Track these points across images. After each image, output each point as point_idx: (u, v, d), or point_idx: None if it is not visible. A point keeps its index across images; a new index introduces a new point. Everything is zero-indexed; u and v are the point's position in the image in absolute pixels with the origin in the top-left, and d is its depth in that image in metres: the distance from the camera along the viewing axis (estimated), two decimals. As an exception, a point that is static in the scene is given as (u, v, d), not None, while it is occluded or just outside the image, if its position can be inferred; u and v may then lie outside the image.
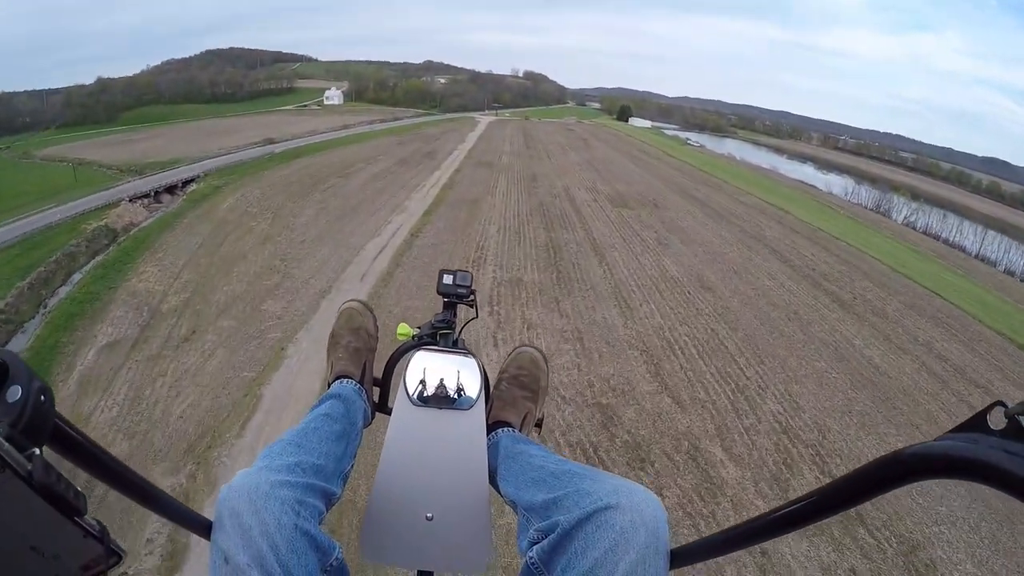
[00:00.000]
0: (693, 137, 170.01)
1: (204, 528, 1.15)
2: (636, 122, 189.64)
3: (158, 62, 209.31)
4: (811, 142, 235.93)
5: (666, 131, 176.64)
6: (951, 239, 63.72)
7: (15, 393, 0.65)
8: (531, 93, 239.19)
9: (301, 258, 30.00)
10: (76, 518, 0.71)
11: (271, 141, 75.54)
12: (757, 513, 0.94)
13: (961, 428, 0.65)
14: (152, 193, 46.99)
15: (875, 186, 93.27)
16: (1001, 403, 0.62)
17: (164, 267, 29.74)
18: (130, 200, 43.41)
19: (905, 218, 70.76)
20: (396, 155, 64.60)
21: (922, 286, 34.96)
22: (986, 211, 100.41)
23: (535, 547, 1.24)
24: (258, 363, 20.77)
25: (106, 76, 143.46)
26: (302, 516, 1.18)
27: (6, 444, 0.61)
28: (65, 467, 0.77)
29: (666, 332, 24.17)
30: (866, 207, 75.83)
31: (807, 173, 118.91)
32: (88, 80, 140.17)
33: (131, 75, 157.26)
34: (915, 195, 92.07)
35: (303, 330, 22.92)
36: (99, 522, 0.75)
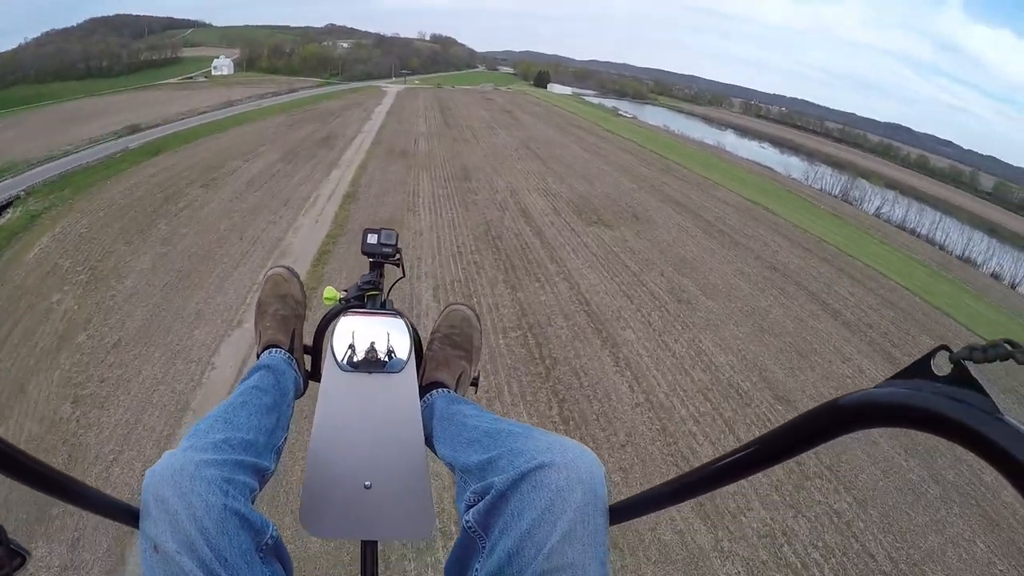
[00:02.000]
0: (615, 104, 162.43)
1: (131, 516, 1.12)
2: (555, 88, 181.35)
3: (37, 34, 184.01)
4: (732, 109, 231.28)
5: (587, 98, 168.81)
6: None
7: None
8: (440, 58, 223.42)
9: (104, 397, 16.55)
10: None
11: (135, 129, 61.46)
12: (693, 467, 0.95)
13: (904, 374, 0.64)
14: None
15: (839, 170, 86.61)
16: (946, 347, 0.61)
17: None
18: None
19: (877, 209, 63.53)
20: (284, 143, 51.84)
21: None
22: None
23: (471, 510, 1.23)
24: None
25: None
26: (231, 495, 1.14)
27: None
28: None
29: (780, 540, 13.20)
30: (834, 195, 67.70)
31: (749, 148, 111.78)
32: None
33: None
34: (875, 180, 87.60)
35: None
36: None
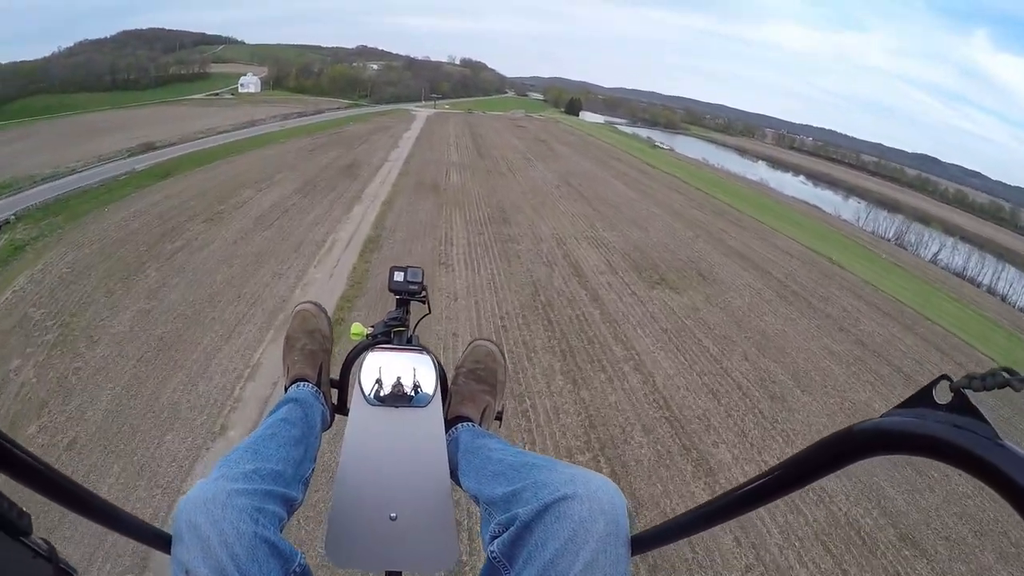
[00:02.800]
0: (648, 134, 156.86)
1: (163, 542, 1.16)
2: (588, 117, 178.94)
3: (71, 44, 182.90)
4: (765, 140, 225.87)
5: (620, 127, 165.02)
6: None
7: None
8: (471, 82, 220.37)
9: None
10: (22, 538, 0.70)
11: (149, 147, 57.57)
12: (712, 496, 0.96)
13: (907, 403, 0.65)
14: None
15: (882, 208, 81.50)
16: (946, 377, 0.62)
17: None
18: None
19: (934, 256, 58.92)
20: (304, 171, 47.31)
21: None
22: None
23: (496, 541, 1.25)
24: None
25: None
26: (261, 524, 1.18)
27: None
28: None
29: None
30: (889, 239, 63.23)
31: (790, 183, 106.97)
32: None
33: (19, 61, 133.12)
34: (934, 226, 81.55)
35: None
36: (47, 541, 0.75)
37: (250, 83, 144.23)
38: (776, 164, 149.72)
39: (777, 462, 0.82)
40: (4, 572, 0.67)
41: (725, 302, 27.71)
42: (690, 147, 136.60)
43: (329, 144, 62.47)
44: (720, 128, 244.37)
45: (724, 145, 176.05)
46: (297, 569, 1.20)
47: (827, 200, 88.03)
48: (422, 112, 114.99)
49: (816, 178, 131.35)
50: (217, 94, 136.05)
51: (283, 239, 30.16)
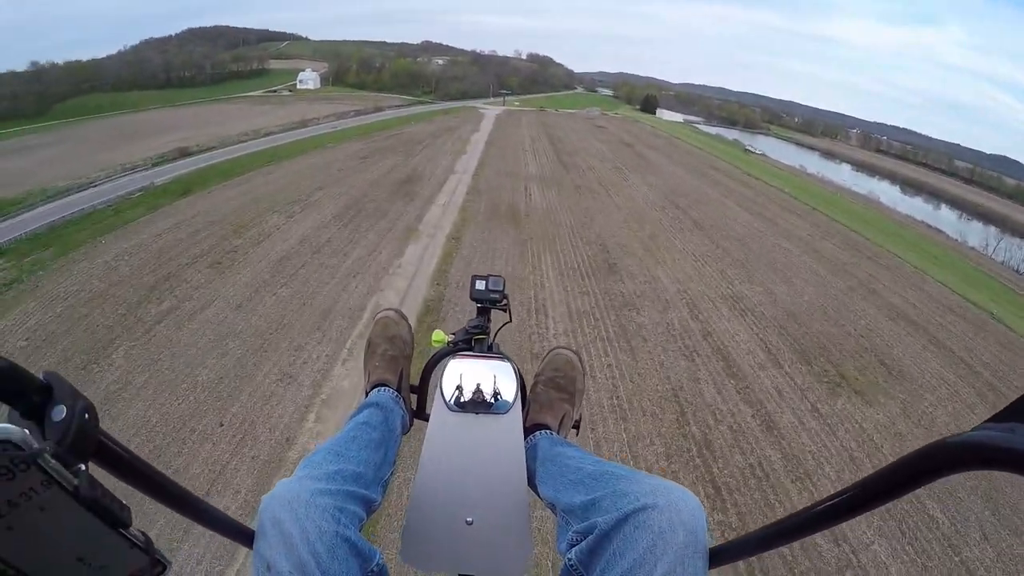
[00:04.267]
0: (725, 133, 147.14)
1: (246, 537, 1.19)
2: (665, 115, 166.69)
3: (136, 42, 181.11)
4: (849, 142, 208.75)
5: (699, 126, 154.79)
6: None
7: (60, 412, 0.68)
8: (539, 77, 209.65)
9: None
10: (122, 530, 0.74)
11: (184, 152, 50.90)
12: (792, 511, 0.95)
13: (997, 418, 0.63)
14: None
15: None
16: None
17: None
18: None
19: None
20: (350, 187, 38.36)
21: None
22: None
23: (574, 549, 1.26)
24: None
25: (46, 61, 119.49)
26: (342, 523, 1.21)
27: (53, 461, 0.64)
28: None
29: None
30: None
31: (887, 192, 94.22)
32: (21, 66, 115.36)
33: (76, 60, 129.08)
34: None
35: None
36: (144, 533, 0.79)
37: (309, 79, 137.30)
38: (863, 167, 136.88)
39: (860, 479, 0.80)
40: (102, 561, 0.73)
41: (924, 415, 18.27)
42: (775, 149, 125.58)
43: (385, 149, 53.61)
44: (800, 128, 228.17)
45: (807, 147, 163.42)
46: (375, 568, 1.22)
47: (931, 214, 79.05)
48: (491, 110, 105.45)
49: (912, 185, 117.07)
50: (274, 91, 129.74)
51: (304, 303, 21.09)
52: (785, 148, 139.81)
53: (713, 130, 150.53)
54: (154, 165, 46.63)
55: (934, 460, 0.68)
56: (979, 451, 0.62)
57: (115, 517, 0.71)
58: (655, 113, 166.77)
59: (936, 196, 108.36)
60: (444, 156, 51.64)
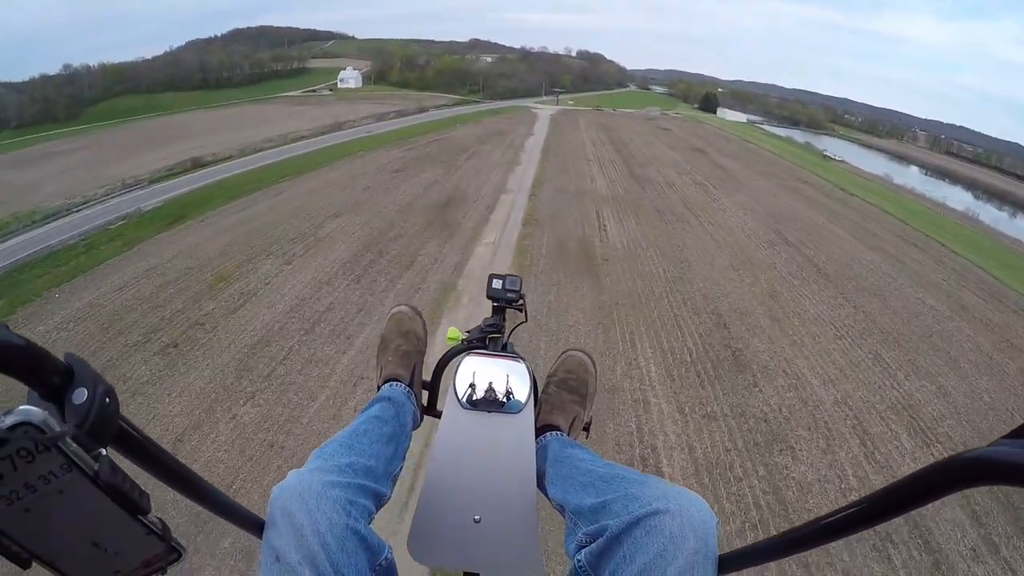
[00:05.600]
0: (790, 134, 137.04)
1: (256, 527, 1.19)
2: (727, 115, 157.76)
3: (182, 43, 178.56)
4: (917, 144, 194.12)
5: (763, 126, 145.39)
6: None
7: (81, 395, 0.68)
8: (591, 75, 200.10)
9: None
10: (140, 516, 0.75)
11: (197, 163, 45.43)
12: (805, 520, 0.95)
13: (1016, 433, 0.63)
14: None
15: None
16: None
17: None
18: None
19: None
20: (374, 213, 30.85)
21: None
22: None
23: (583, 551, 1.26)
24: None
25: (79, 64, 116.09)
26: (353, 516, 1.21)
27: (73, 444, 0.64)
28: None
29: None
30: None
31: (970, 203, 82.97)
32: (55, 68, 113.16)
33: (110, 62, 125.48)
34: None
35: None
36: (161, 520, 0.79)
37: (350, 78, 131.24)
38: (934, 171, 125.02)
39: (873, 491, 0.81)
40: (119, 546, 0.73)
41: None
42: (847, 152, 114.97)
43: (424, 159, 45.85)
44: (863, 128, 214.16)
45: (877, 149, 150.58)
46: (383, 562, 1.22)
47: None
48: (544, 110, 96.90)
49: (992, 195, 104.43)
50: (314, 90, 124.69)
51: (272, 444, 13.22)
52: (855, 151, 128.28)
53: (778, 130, 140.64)
54: (159, 180, 41.29)
55: (955, 473, 0.68)
56: (994, 467, 0.62)
57: (134, 504, 0.72)
58: (715, 112, 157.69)
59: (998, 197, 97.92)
60: (493, 169, 43.47)
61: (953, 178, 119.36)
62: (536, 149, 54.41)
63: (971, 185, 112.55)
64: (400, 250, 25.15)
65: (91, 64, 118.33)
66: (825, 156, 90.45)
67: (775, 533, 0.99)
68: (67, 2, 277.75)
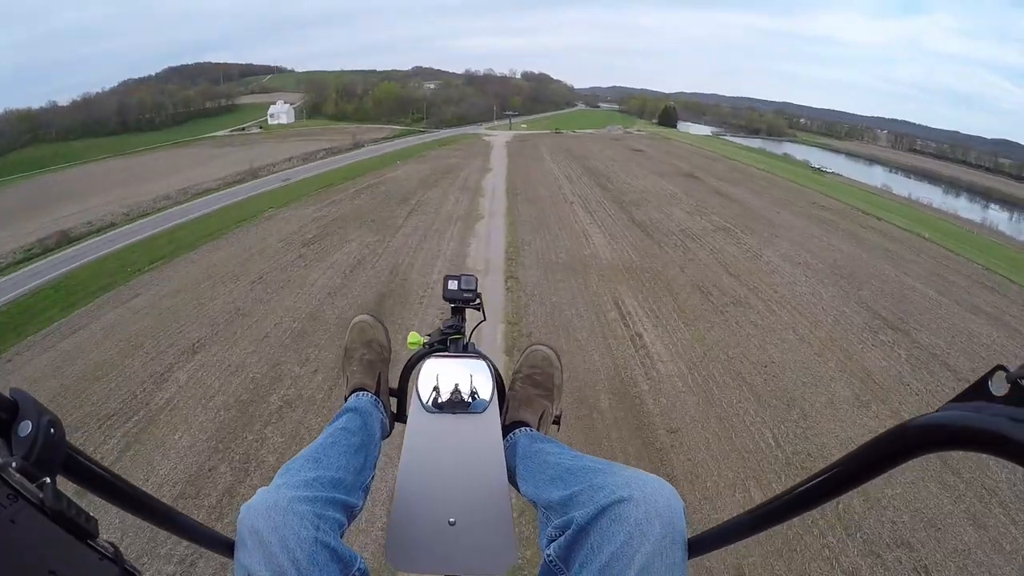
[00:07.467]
0: (761, 144, 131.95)
1: (226, 547, 1.19)
2: (690, 128, 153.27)
3: (115, 84, 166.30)
4: (879, 143, 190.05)
5: (726, 138, 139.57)
6: None
7: (26, 428, 0.69)
8: (540, 95, 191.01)
9: None
10: (89, 541, 0.75)
11: (62, 240, 36.54)
12: (770, 496, 0.96)
13: (963, 397, 0.63)
14: None
15: None
16: (1002, 367, 0.60)
17: None
18: None
19: None
20: (257, 337, 19.48)
21: None
22: None
23: (553, 544, 1.27)
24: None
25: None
26: (322, 529, 1.20)
27: (17, 475, 0.65)
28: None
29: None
30: None
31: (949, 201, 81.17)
32: None
33: (14, 108, 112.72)
34: None
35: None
36: (113, 544, 0.79)
37: (281, 113, 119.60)
38: (914, 173, 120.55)
39: (831, 461, 0.81)
40: (73, 573, 0.73)
41: None
42: (815, 158, 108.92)
43: (349, 219, 34.56)
44: (823, 131, 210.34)
45: (845, 153, 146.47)
46: (356, 573, 1.22)
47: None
48: (497, 136, 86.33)
49: (954, 185, 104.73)
50: (243, 129, 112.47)
51: None
52: (829, 158, 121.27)
53: (743, 141, 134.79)
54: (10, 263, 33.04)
55: (903, 442, 0.68)
56: (948, 431, 0.62)
57: (81, 528, 0.71)
58: (676, 126, 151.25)
59: (1002, 201, 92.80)
60: (446, 227, 31.96)
61: (934, 178, 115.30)
62: (499, 191, 43.16)
63: (952, 183, 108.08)
64: (287, 438, 13.60)
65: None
66: (816, 169, 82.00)
67: (740, 513, 1.01)
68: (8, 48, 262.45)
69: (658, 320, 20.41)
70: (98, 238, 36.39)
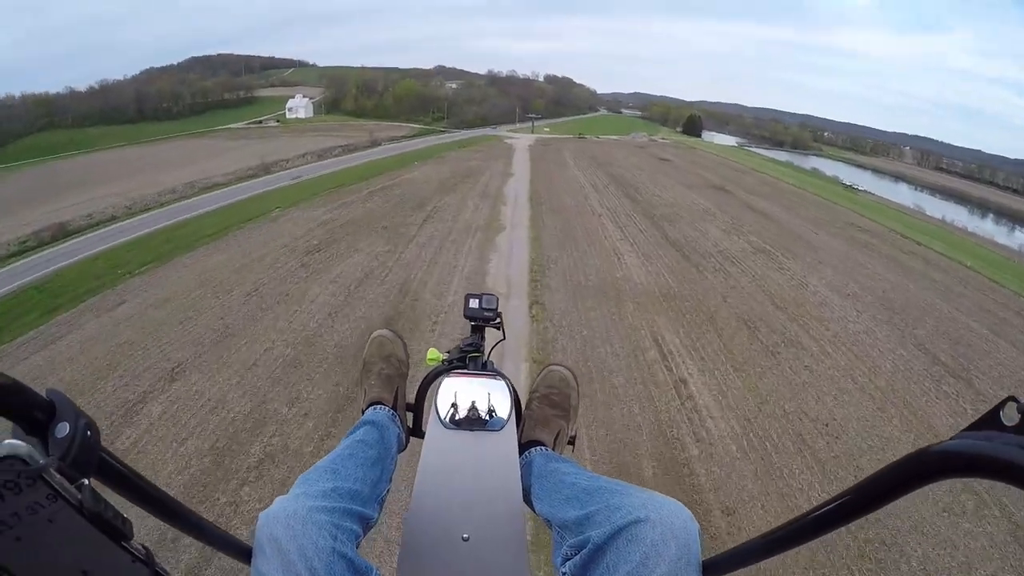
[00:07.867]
0: (786, 157, 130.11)
1: (244, 554, 1.20)
2: (715, 138, 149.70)
3: (137, 72, 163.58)
4: (904, 160, 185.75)
5: (752, 149, 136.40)
6: None
7: (63, 429, 0.70)
8: (563, 99, 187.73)
9: None
10: (123, 543, 0.76)
11: (57, 235, 34.39)
12: (786, 520, 0.97)
13: (975, 426, 0.64)
14: None
15: None
16: (1014, 399, 0.61)
17: None
18: None
19: None
20: (242, 366, 17.01)
21: None
22: None
23: (568, 563, 1.27)
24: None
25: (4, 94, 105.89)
26: (339, 540, 1.21)
27: (57, 476, 0.66)
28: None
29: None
30: None
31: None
32: None
33: (32, 93, 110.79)
34: None
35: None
36: (145, 547, 0.80)
37: (299, 107, 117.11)
38: (943, 193, 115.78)
39: (847, 487, 0.83)
40: (105, 573, 0.74)
41: None
42: (843, 173, 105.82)
43: (359, 224, 32.27)
44: (848, 146, 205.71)
45: (872, 169, 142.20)
46: None
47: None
48: (519, 139, 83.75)
49: (997, 212, 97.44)
50: (259, 122, 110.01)
51: None
52: (858, 174, 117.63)
53: (768, 153, 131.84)
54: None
55: (921, 468, 0.69)
56: (961, 459, 0.63)
57: (117, 530, 0.72)
58: (701, 135, 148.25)
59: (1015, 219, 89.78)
60: (465, 238, 29.57)
61: (963, 199, 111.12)
62: (521, 198, 40.77)
63: (982, 205, 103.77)
64: (265, 504, 11.56)
65: (15, 94, 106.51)
66: (848, 187, 78.58)
67: (756, 536, 1.00)
68: (35, 37, 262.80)
69: (704, 363, 17.92)
70: (96, 232, 34.54)
